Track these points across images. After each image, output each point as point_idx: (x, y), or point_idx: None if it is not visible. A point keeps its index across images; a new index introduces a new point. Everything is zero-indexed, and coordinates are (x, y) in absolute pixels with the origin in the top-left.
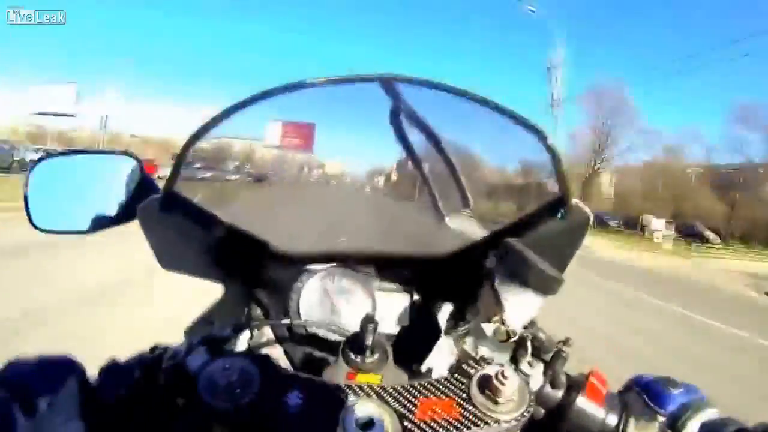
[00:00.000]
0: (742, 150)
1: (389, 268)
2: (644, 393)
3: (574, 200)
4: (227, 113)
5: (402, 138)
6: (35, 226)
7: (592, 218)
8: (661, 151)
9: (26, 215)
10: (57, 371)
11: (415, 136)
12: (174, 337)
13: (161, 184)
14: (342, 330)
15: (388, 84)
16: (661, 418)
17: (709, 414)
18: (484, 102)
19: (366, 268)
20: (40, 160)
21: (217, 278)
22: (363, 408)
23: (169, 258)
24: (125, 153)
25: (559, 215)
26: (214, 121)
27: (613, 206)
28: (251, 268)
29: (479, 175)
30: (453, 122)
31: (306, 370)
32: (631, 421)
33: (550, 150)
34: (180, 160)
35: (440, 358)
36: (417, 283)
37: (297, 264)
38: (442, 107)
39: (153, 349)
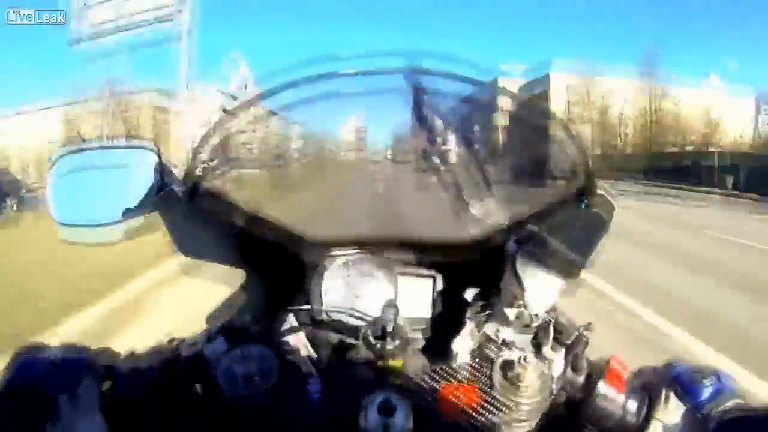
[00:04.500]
0: None
1: (412, 253)
2: (676, 382)
3: (600, 189)
4: (251, 103)
5: (425, 124)
6: (58, 221)
7: (616, 208)
8: None
9: (49, 210)
10: (73, 367)
11: (438, 122)
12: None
13: None
14: (363, 316)
15: (412, 75)
16: (688, 406)
17: (734, 404)
18: (508, 95)
19: (388, 253)
20: (62, 155)
21: (238, 265)
22: (384, 394)
23: (189, 245)
24: (144, 146)
25: (583, 204)
26: (236, 112)
27: None
28: (272, 255)
29: (503, 162)
30: (477, 109)
31: (327, 357)
32: (657, 407)
33: (575, 138)
34: (199, 149)
35: (462, 343)
36: (439, 268)
37: (319, 250)
38: (465, 94)
39: (171, 340)
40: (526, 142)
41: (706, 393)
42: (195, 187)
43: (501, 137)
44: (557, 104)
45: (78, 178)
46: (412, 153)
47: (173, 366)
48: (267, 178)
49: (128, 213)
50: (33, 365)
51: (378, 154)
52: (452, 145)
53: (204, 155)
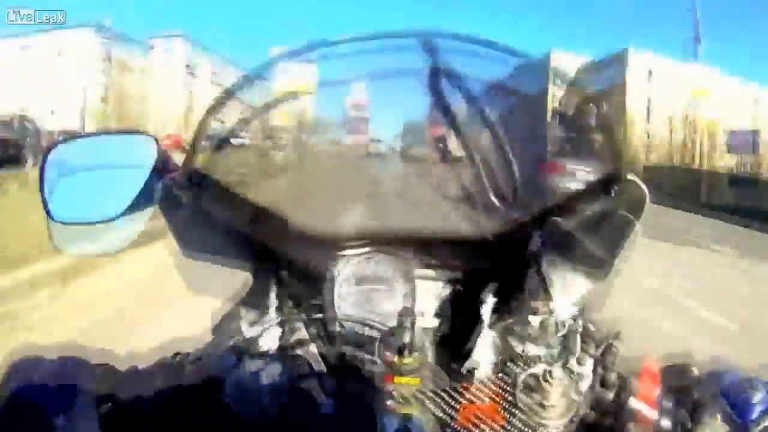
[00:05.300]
0: None
1: (430, 251)
2: (719, 396)
3: (630, 176)
4: (254, 76)
5: (442, 104)
6: (54, 218)
7: (648, 196)
8: None
9: (43, 207)
10: (70, 385)
11: (457, 102)
12: None
13: None
14: (379, 324)
15: (427, 42)
16: (734, 424)
17: None
18: (537, 65)
19: (405, 251)
20: (54, 144)
21: (244, 263)
22: (401, 414)
23: (192, 241)
24: (141, 132)
25: (612, 192)
26: (239, 86)
27: None
28: (280, 252)
29: (527, 147)
30: (500, 87)
31: (341, 371)
32: (697, 426)
33: (605, 119)
34: (200, 134)
35: (484, 355)
36: (459, 267)
37: (330, 247)
38: (488, 69)
39: (175, 355)
40: (554, 121)
41: (756, 409)
42: (196, 176)
43: (527, 115)
44: (636, 99)
45: (74, 171)
46: (426, 140)
47: (177, 383)
48: (270, 168)
49: (128, 208)
50: (27, 383)
51: (389, 133)
52: (473, 125)
53: (204, 142)
